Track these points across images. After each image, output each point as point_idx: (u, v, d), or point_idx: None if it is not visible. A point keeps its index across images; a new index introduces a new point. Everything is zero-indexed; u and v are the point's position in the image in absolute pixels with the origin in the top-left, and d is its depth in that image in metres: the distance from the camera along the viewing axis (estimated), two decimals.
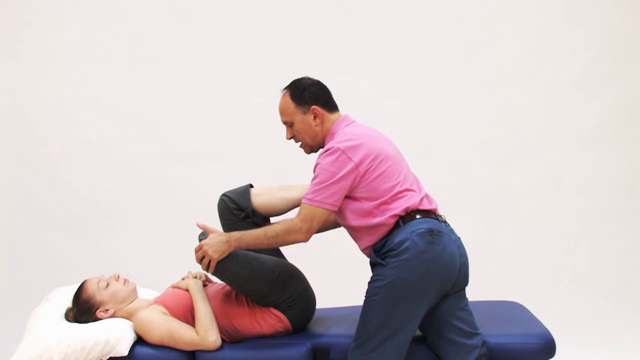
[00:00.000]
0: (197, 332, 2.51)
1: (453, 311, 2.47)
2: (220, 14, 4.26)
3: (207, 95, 4.27)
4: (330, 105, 2.57)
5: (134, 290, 2.70)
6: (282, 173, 3.87)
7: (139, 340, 2.56)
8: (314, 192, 2.41)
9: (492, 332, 2.54)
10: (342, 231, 2.68)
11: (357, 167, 2.40)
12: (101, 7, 4.24)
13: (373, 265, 2.47)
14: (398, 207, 2.41)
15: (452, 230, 2.51)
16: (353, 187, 2.42)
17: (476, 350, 2.44)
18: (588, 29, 4.20)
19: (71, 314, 2.66)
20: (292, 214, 2.55)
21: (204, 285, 2.71)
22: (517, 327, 2.62)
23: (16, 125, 4.26)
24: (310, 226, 2.41)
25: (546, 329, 2.59)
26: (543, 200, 4.25)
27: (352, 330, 2.49)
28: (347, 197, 2.44)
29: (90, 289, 2.64)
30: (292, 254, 2.79)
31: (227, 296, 2.64)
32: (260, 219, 2.67)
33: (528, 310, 2.86)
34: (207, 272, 2.48)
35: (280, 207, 2.68)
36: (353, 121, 2.57)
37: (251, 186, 2.72)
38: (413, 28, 4.24)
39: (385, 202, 2.42)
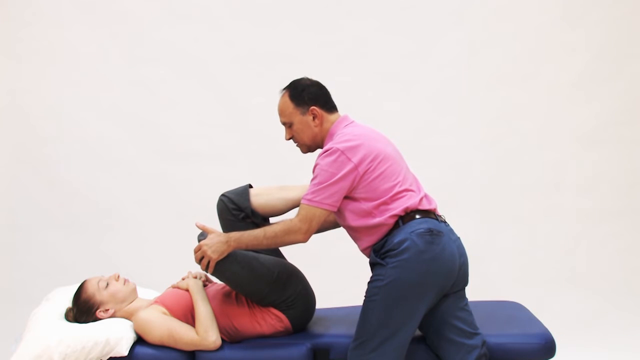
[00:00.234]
0: (197, 332, 2.51)
1: (453, 311, 2.47)
2: (220, 14, 4.26)
3: (207, 95, 4.27)
4: (329, 105, 2.57)
5: (134, 290, 2.70)
6: (282, 173, 3.87)
7: (139, 340, 2.56)
8: (313, 192, 2.41)
9: (492, 332, 2.54)
10: (341, 231, 2.68)
11: (356, 167, 2.40)
12: (101, 7, 4.24)
13: (373, 265, 2.47)
14: (397, 207, 2.41)
15: (451, 230, 2.51)
16: (352, 188, 2.42)
17: (476, 350, 2.44)
18: (588, 29, 4.20)
19: (71, 314, 2.66)
20: (292, 214, 2.55)
21: (204, 286, 2.71)
22: (517, 327, 2.62)
23: (16, 125, 4.26)
24: (309, 227, 2.41)
25: (546, 329, 2.59)
26: (543, 200, 4.24)
27: (352, 330, 2.48)
28: (347, 197, 2.44)
29: (90, 289, 2.64)
30: (292, 254, 2.79)
31: (227, 296, 2.63)
32: (259, 219, 2.67)
33: (528, 310, 2.86)
34: (207, 272, 2.48)
35: (280, 207, 2.68)
36: (352, 121, 2.57)
37: (250, 186, 2.71)
38: (413, 28, 4.24)
39: (385, 203, 2.42)
